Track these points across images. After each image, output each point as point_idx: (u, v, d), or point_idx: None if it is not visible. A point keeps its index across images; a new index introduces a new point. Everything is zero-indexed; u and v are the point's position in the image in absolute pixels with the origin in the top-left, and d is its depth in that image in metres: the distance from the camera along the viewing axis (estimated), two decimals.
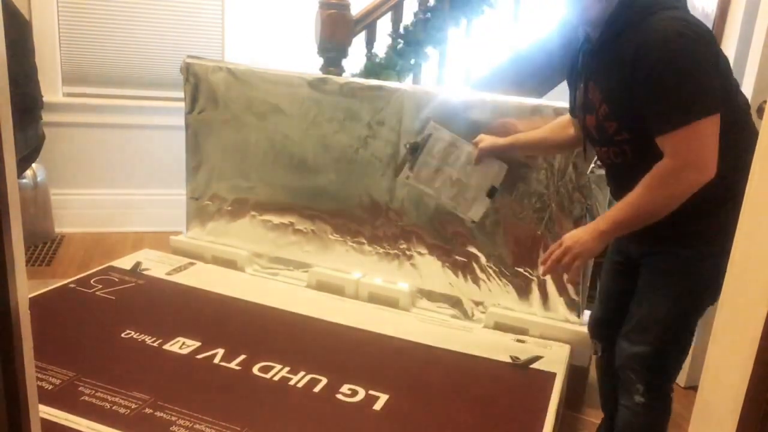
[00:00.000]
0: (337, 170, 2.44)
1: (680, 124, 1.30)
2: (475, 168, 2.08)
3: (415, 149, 1.80)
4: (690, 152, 1.31)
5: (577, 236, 1.48)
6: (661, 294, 1.49)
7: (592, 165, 2.00)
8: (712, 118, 1.30)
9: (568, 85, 1.66)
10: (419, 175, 1.83)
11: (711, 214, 1.41)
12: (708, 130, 1.30)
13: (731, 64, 2.20)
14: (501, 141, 2.00)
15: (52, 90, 3.34)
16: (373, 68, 2.86)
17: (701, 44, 1.30)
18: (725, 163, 1.34)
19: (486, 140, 2.04)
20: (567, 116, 1.80)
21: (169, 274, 2.43)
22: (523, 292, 2.23)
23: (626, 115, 1.41)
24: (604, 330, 1.74)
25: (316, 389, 1.73)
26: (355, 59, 2.85)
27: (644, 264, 1.55)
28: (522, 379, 1.89)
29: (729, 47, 2.25)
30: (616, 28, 1.38)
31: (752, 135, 1.37)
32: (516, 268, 2.24)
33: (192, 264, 2.55)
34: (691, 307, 1.50)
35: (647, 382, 1.52)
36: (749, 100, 2.07)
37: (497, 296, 2.27)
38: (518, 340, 2.11)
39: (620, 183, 1.53)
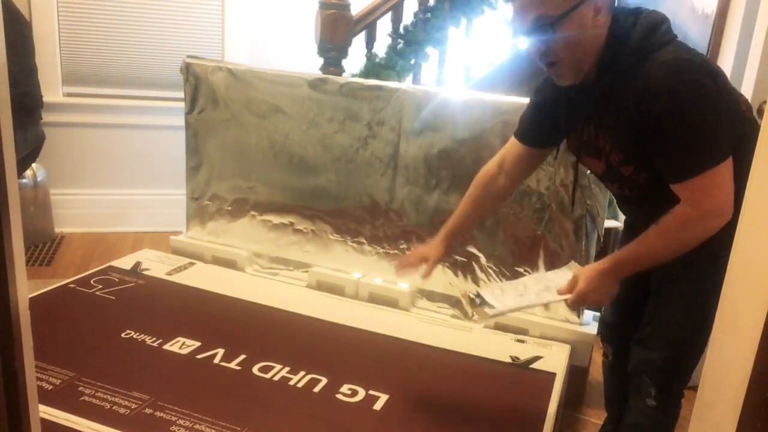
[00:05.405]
0: (337, 170, 2.44)
1: (694, 173, 1.27)
2: (550, 275, 1.71)
3: (478, 295, 1.63)
4: (707, 199, 1.29)
5: (592, 283, 1.41)
6: (674, 300, 1.48)
7: None
8: (725, 162, 1.27)
9: (537, 118, 1.57)
10: (503, 302, 1.60)
11: None
12: (722, 176, 1.27)
13: (731, 64, 2.22)
14: (435, 247, 1.70)
15: (52, 90, 3.33)
16: (373, 68, 2.86)
17: (703, 86, 1.26)
18: (735, 173, 1.32)
19: (429, 257, 1.69)
20: (491, 168, 1.66)
21: (169, 274, 2.43)
22: None
23: (641, 158, 1.39)
24: (615, 334, 1.73)
25: (316, 389, 1.73)
26: (355, 59, 2.85)
27: (654, 270, 1.54)
28: (522, 379, 1.88)
29: (729, 47, 2.25)
30: (610, 75, 1.35)
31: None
32: (516, 268, 2.24)
33: (192, 264, 2.55)
34: (704, 313, 1.48)
35: (660, 387, 1.51)
36: (749, 100, 2.08)
37: None
38: (518, 340, 2.11)
39: (634, 210, 1.57)
